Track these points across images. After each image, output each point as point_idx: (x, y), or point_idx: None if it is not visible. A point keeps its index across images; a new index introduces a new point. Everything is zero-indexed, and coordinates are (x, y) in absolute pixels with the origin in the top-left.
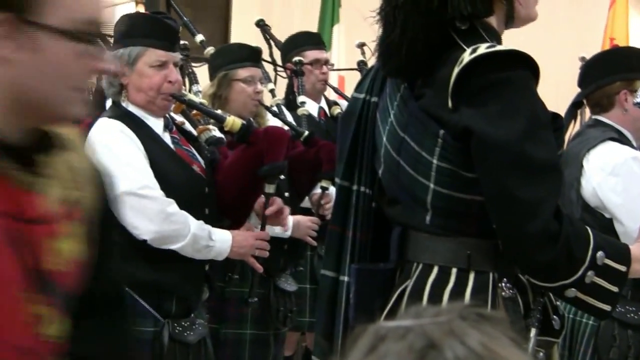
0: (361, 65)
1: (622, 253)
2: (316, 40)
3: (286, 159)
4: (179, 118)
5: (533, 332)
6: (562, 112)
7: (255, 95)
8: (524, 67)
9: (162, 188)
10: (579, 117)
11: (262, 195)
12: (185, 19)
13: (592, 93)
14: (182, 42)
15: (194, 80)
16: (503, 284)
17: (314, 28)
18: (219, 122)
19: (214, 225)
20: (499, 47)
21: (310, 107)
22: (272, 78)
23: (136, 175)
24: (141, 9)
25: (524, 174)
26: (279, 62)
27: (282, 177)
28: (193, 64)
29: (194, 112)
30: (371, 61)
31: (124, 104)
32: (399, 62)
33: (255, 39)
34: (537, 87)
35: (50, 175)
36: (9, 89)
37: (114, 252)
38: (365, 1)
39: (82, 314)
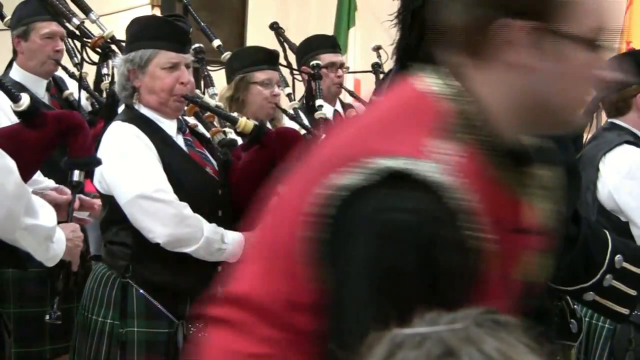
0: (376, 67)
1: None
2: (331, 43)
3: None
4: (191, 120)
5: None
6: None
7: (272, 98)
8: None
9: (176, 191)
10: (595, 121)
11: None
12: (202, 24)
13: (608, 96)
14: (197, 44)
15: (209, 83)
16: None
17: (329, 31)
18: (232, 123)
19: (227, 227)
20: None
21: (326, 110)
22: (288, 81)
23: (150, 178)
24: (157, 12)
25: None
26: (294, 64)
27: None
28: (209, 68)
29: (207, 114)
30: (387, 64)
31: (136, 107)
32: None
33: (271, 42)
34: None
35: (540, 186)
36: (522, 96)
37: None
38: (381, 4)
39: None
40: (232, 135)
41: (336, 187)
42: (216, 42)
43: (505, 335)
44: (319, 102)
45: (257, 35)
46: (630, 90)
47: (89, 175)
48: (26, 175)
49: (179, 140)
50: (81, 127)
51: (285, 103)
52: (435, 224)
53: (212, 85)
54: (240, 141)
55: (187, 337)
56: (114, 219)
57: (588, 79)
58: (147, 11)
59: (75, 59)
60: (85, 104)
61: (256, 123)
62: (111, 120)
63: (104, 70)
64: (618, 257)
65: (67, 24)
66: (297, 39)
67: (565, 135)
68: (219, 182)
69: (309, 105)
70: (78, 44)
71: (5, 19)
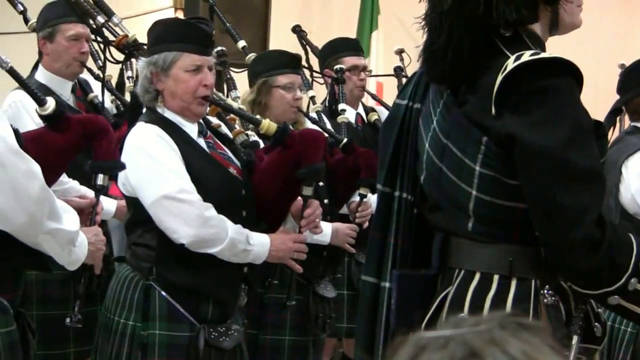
0: (398, 71)
1: None
2: (354, 46)
3: (323, 162)
4: (214, 121)
5: (575, 339)
6: (601, 119)
7: (295, 102)
8: (567, 74)
9: (199, 191)
10: (617, 124)
11: (299, 198)
12: (228, 24)
13: (631, 100)
14: (220, 47)
15: (232, 86)
16: (545, 291)
17: (352, 34)
18: (255, 125)
19: (251, 228)
20: (542, 55)
21: (348, 113)
22: (311, 84)
23: (174, 179)
24: (180, 15)
25: (567, 181)
26: (316, 67)
27: (321, 183)
28: (232, 70)
29: (230, 116)
30: (410, 67)
31: (159, 110)
32: (444, 69)
33: (293, 45)
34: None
35: None
36: None
37: None
38: (403, 8)
39: None
40: (254, 138)
41: None
42: (241, 43)
43: (529, 337)
44: (341, 106)
45: (280, 39)
46: None
47: (114, 178)
48: (50, 179)
49: (201, 142)
50: (106, 131)
51: (309, 106)
52: None
53: (235, 88)
54: (262, 144)
55: (208, 341)
56: (138, 220)
57: None
58: (170, 14)
59: (99, 61)
60: (109, 106)
61: (279, 125)
62: (135, 123)
63: (128, 73)
64: None
65: (92, 23)
66: (319, 42)
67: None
68: (243, 182)
69: (331, 109)
70: (101, 45)
71: (30, 23)
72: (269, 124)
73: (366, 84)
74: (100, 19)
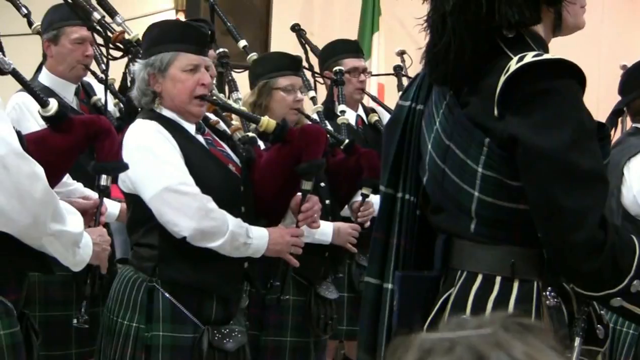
0: (398, 70)
1: None
2: (354, 48)
3: (324, 157)
4: (213, 117)
5: (577, 341)
6: (603, 120)
7: (295, 104)
8: (570, 76)
9: (199, 187)
10: (619, 125)
11: (299, 193)
12: (229, 24)
13: (633, 101)
14: (221, 49)
15: (233, 87)
16: (547, 293)
17: (354, 36)
18: (254, 122)
19: (251, 224)
20: (545, 56)
21: (348, 115)
22: (314, 85)
23: (174, 172)
24: (182, 17)
25: (569, 183)
26: (316, 65)
27: (323, 184)
28: (234, 70)
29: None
30: (411, 69)
31: (157, 110)
32: (446, 70)
33: (295, 46)
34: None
35: None
36: None
37: None
38: (405, 9)
39: None
40: (251, 134)
41: None
42: (242, 43)
43: (532, 339)
44: (341, 107)
45: (281, 40)
46: None
47: (114, 179)
48: (53, 180)
49: (200, 139)
50: (109, 132)
51: (308, 107)
52: None
53: (236, 89)
54: (261, 143)
55: (212, 343)
56: (139, 218)
57: None
58: (171, 15)
59: (102, 65)
60: (113, 109)
61: (278, 122)
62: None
63: (130, 78)
64: None
65: (93, 20)
66: (321, 43)
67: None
68: (242, 178)
69: (329, 110)
70: (101, 43)
71: (34, 26)
72: (268, 121)
73: (366, 86)
74: (97, 15)
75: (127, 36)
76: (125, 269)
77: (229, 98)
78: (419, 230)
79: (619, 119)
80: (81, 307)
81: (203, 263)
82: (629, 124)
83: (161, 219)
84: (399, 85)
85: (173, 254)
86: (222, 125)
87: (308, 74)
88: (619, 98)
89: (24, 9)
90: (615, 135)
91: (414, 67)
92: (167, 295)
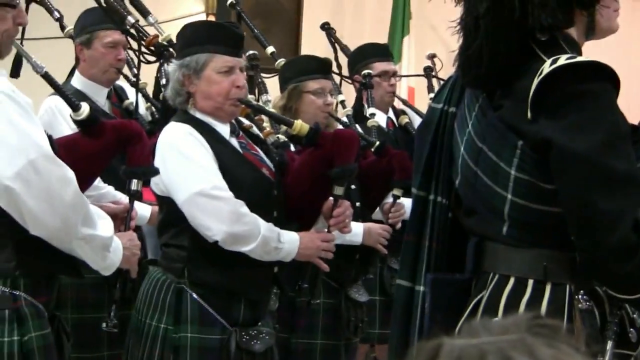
0: (428, 71)
1: None
2: (384, 52)
3: (356, 162)
4: (246, 121)
5: (609, 344)
6: (635, 122)
7: (325, 107)
8: (604, 78)
9: (231, 190)
10: None
11: (330, 198)
12: (256, 31)
13: None
14: (252, 52)
15: (263, 90)
16: (580, 296)
17: (384, 39)
18: (287, 125)
19: (282, 229)
20: (579, 59)
21: (379, 118)
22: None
23: (207, 176)
24: (212, 20)
25: (604, 186)
26: (345, 66)
27: (353, 186)
28: (263, 75)
29: (258, 116)
30: (441, 72)
31: (191, 112)
32: (479, 73)
33: (325, 49)
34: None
35: None
36: None
37: None
38: (435, 13)
39: None
40: (284, 139)
41: None
42: (270, 49)
43: (560, 344)
44: (371, 110)
45: (312, 44)
46: None
47: (146, 182)
48: (84, 184)
49: (233, 142)
50: (140, 136)
51: (338, 110)
52: None
53: (266, 92)
54: (292, 147)
55: (240, 345)
56: (170, 220)
57: None
58: (202, 19)
59: (134, 69)
60: (144, 113)
61: (311, 125)
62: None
63: (163, 81)
64: None
65: (127, 24)
66: (351, 47)
67: None
68: (275, 182)
69: (357, 113)
70: (134, 46)
71: (66, 29)
72: (301, 125)
73: (396, 90)
74: (131, 19)
75: (159, 38)
76: (154, 271)
77: (258, 100)
78: (451, 233)
79: None
80: (110, 311)
81: (232, 266)
82: None
83: (193, 222)
84: (429, 87)
85: (202, 255)
86: (255, 130)
87: (336, 78)
88: None
89: (56, 12)
90: None
91: (445, 70)
92: (196, 296)
